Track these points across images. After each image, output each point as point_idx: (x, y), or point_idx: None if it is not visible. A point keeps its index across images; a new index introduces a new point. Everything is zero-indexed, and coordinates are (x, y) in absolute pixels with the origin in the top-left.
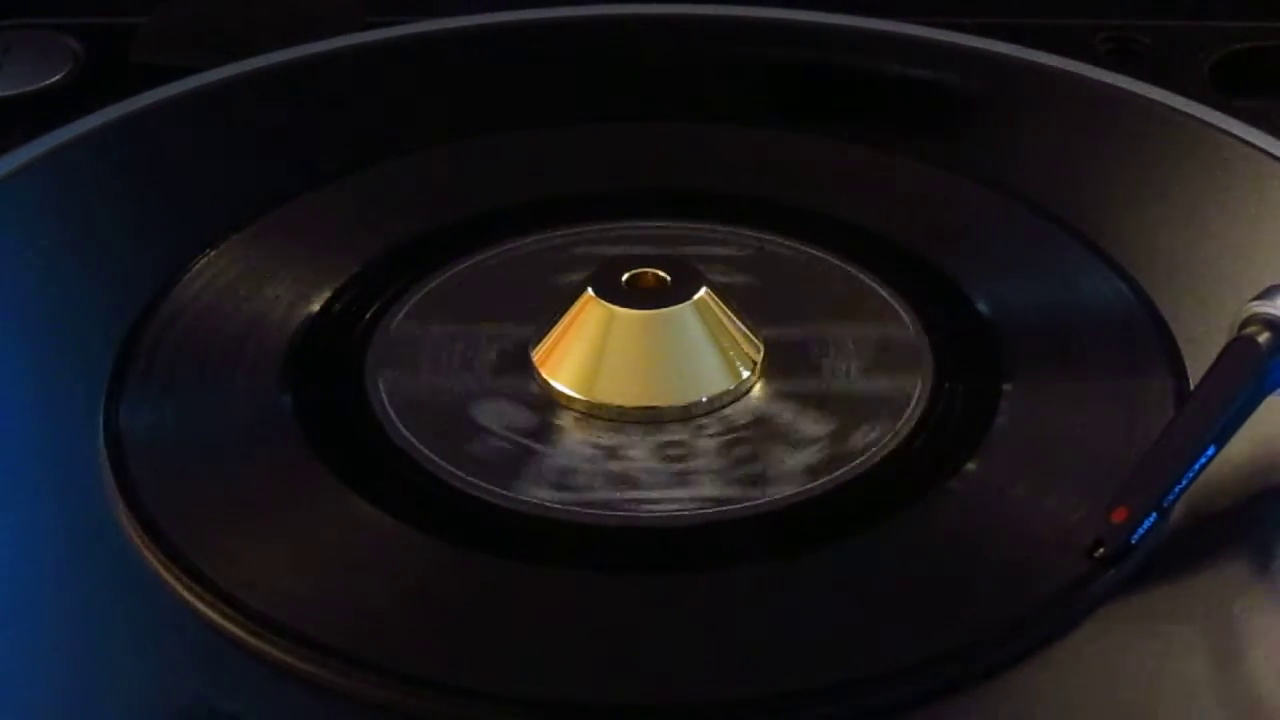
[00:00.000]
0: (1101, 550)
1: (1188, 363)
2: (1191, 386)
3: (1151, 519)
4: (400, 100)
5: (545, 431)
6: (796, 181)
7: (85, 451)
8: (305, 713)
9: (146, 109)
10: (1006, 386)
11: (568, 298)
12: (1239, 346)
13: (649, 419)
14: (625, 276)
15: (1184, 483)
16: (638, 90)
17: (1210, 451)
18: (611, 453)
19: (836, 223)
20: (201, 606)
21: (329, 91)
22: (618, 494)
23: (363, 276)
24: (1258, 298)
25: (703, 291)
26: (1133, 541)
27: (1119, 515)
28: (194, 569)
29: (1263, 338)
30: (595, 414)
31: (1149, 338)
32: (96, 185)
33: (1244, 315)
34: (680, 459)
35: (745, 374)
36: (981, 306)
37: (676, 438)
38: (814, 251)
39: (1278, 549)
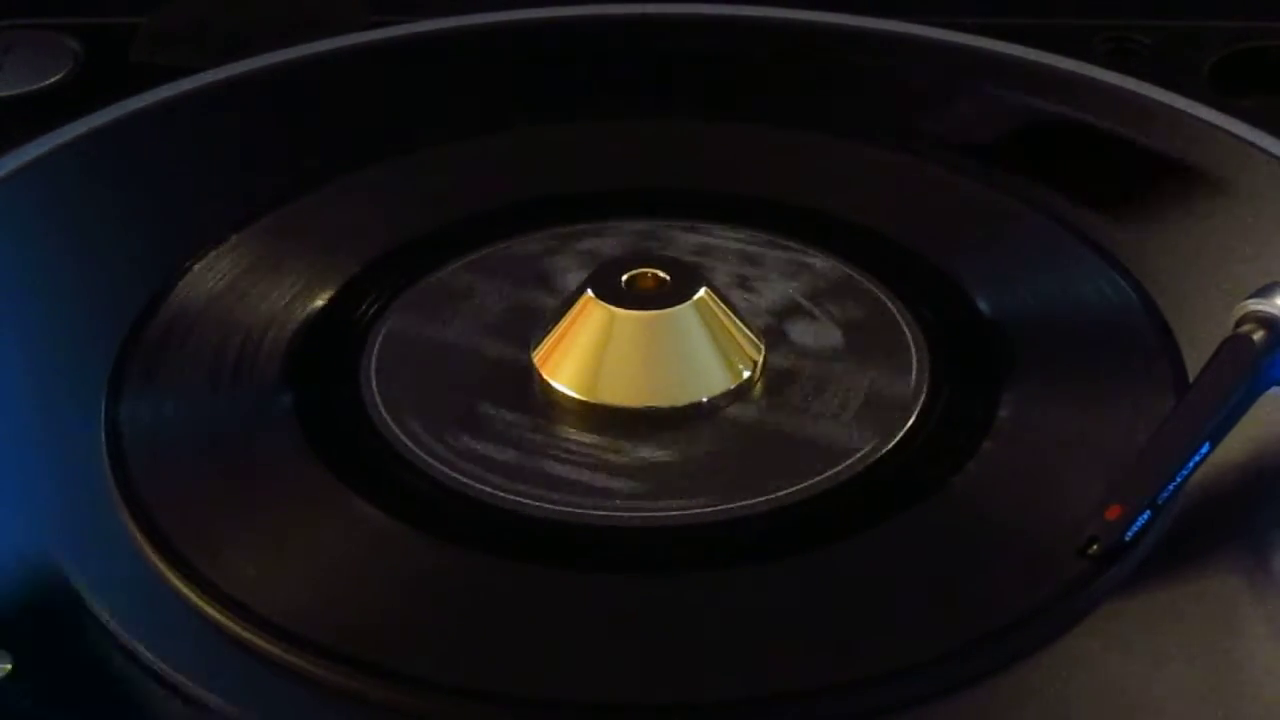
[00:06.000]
0: (1096, 547)
1: (1188, 362)
2: None
3: (1146, 516)
4: (400, 100)
5: (545, 432)
6: (796, 181)
7: (86, 451)
8: (305, 713)
9: (146, 109)
10: (1006, 386)
11: (568, 298)
12: (1234, 344)
13: (649, 419)
14: (625, 277)
15: (1179, 480)
16: (637, 90)
17: (1205, 449)
18: (611, 453)
19: (836, 223)
20: (201, 606)
21: (329, 91)
22: (618, 494)
23: (363, 276)
24: (1254, 295)
25: (703, 291)
26: (1127, 539)
27: (1113, 512)
28: (194, 569)
29: (1258, 335)
30: (595, 414)
31: (1149, 337)
32: (96, 185)
33: (1240, 313)
34: (680, 459)
35: (745, 374)
36: (982, 306)
37: (677, 438)
38: (814, 251)
39: (1275, 546)
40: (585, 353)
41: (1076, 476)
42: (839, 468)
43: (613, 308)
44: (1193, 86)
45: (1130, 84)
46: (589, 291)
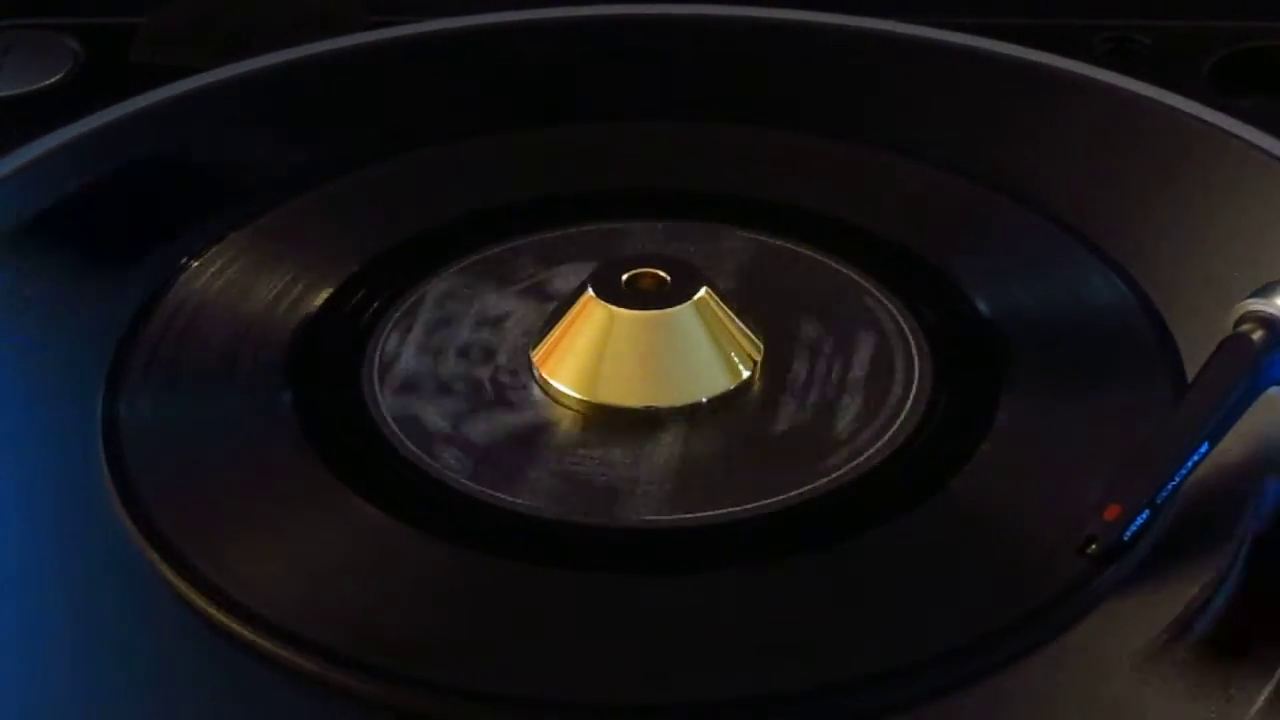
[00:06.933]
0: (1094, 547)
1: (1187, 362)
2: None
3: (1144, 516)
4: (400, 100)
5: (545, 432)
6: (796, 181)
7: (84, 450)
8: (305, 713)
9: (146, 109)
10: (1006, 386)
11: (568, 298)
12: (1233, 343)
13: (649, 419)
14: (625, 277)
15: (1177, 480)
16: (638, 90)
17: (1204, 448)
18: (611, 453)
19: (836, 222)
20: (201, 605)
21: (329, 91)
22: (617, 494)
23: (363, 276)
24: (1253, 295)
25: (703, 291)
26: (1125, 538)
27: (1111, 512)
28: (193, 568)
29: (1257, 335)
30: (595, 414)
31: (1148, 337)
32: (96, 185)
33: (1239, 312)
34: (680, 459)
35: (745, 374)
36: (981, 306)
37: (677, 438)
38: (813, 252)
39: (1275, 546)
40: (585, 352)
41: (1076, 476)
42: (839, 468)
43: (613, 307)
44: (1193, 86)
45: (1130, 84)
46: (589, 291)
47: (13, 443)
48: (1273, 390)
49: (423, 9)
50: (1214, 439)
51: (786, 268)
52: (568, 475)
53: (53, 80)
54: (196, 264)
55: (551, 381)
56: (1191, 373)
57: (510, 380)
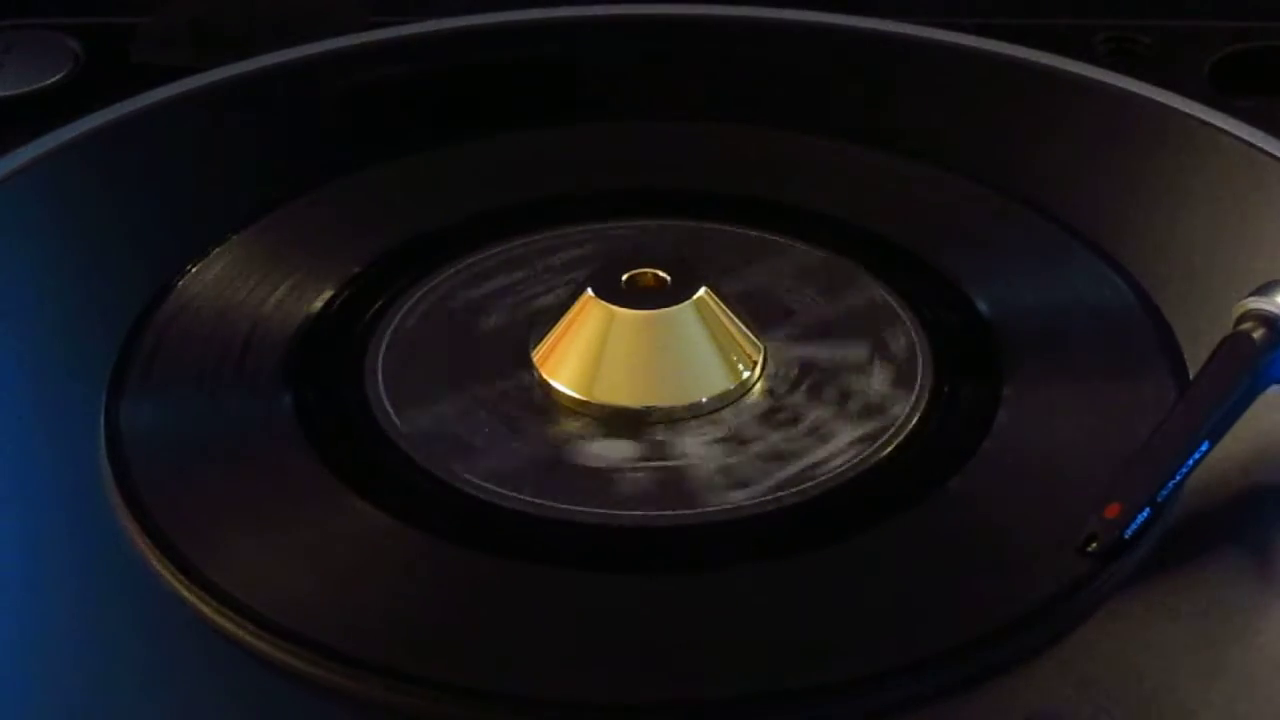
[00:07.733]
0: (1094, 545)
1: (1188, 361)
2: None
3: (1145, 514)
4: (400, 100)
5: (545, 431)
6: (796, 181)
7: (85, 451)
8: (305, 713)
9: (146, 109)
10: (1006, 385)
11: (567, 298)
12: (1233, 342)
13: (649, 419)
14: (625, 276)
15: (1178, 478)
16: (637, 90)
17: (1204, 447)
18: (612, 453)
19: (836, 222)
20: (201, 606)
21: (329, 91)
22: (618, 494)
23: (363, 276)
24: (1253, 294)
25: (703, 291)
26: (1126, 537)
27: (1112, 511)
28: (194, 569)
29: (1257, 334)
30: (595, 414)
31: (1149, 337)
32: (97, 185)
33: (1240, 311)
34: (680, 459)
35: (745, 374)
36: (981, 306)
37: (676, 438)
38: (813, 251)
39: (1275, 546)
40: (585, 352)
41: (1076, 476)
42: (839, 468)
43: (612, 307)
44: (1193, 86)
45: (1130, 84)
46: (589, 291)
47: (15, 444)
48: (1274, 389)
49: (423, 9)
50: (1215, 437)
51: (786, 267)
52: (567, 475)
53: (53, 80)
54: (197, 266)
55: (551, 381)
56: (1192, 371)
57: (510, 381)
